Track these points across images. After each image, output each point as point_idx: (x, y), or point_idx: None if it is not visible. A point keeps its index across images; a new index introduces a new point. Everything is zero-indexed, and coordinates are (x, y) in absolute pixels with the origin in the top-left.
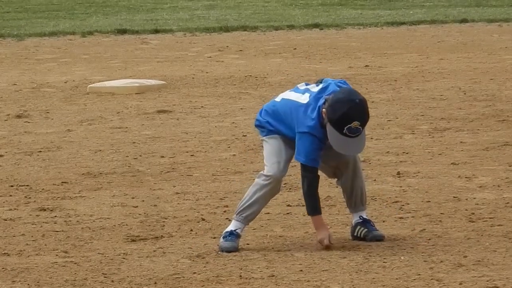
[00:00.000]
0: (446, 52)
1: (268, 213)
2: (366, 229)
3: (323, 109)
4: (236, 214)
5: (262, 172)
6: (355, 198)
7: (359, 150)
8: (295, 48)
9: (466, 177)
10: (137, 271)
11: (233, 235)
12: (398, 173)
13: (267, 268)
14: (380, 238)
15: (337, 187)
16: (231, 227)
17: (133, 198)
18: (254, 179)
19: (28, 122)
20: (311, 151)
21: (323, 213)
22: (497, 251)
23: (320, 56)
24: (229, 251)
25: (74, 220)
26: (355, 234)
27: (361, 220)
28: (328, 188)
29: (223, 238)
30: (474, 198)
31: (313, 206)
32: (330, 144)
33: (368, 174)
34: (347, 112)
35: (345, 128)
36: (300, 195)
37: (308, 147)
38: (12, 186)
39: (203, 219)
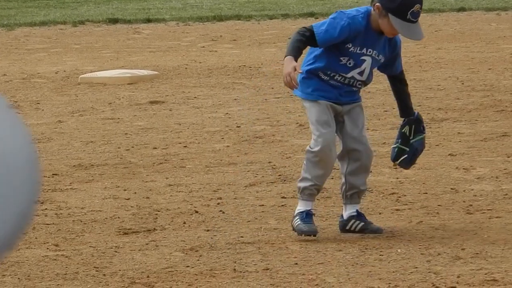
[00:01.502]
0: (443, 41)
1: (263, 205)
2: (363, 223)
3: (376, 4)
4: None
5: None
6: (356, 191)
7: (422, 35)
8: (290, 38)
9: (463, 168)
10: (129, 264)
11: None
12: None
13: (261, 261)
14: (379, 231)
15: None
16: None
17: (125, 190)
18: (248, 171)
19: (19, 113)
20: (329, 27)
21: (318, 205)
22: (495, 243)
23: None
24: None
25: (65, 213)
26: (348, 227)
27: (355, 214)
28: None
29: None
30: (472, 190)
31: (291, 48)
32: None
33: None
34: None
35: (409, 13)
36: (295, 187)
37: (331, 23)
38: None
39: (196, 212)
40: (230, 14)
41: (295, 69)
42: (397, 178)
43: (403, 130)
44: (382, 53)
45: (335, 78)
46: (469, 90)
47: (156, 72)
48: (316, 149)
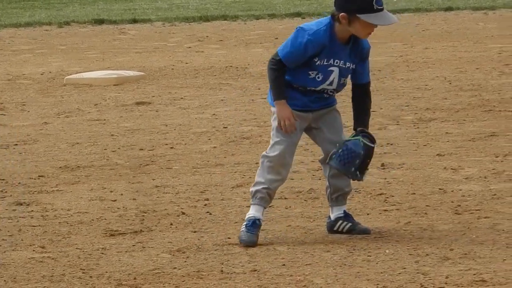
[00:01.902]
0: (431, 41)
1: (250, 206)
2: (350, 224)
3: (341, 15)
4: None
5: None
6: (341, 193)
7: (395, 18)
8: (277, 38)
9: (452, 169)
10: (116, 266)
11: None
12: (383, 164)
13: (249, 263)
14: (367, 232)
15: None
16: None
17: (111, 191)
18: (235, 172)
19: (4, 115)
20: (293, 49)
21: (306, 205)
22: (484, 243)
23: None
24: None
25: (51, 215)
26: (336, 228)
27: (342, 215)
28: (311, 180)
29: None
30: (460, 190)
31: (277, 91)
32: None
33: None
34: None
35: (374, 3)
36: (282, 188)
37: (293, 43)
38: None
39: (183, 213)
40: (216, 14)
41: (292, 115)
42: (385, 178)
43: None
44: (349, 61)
45: (307, 91)
46: (457, 90)
47: (142, 73)
48: (271, 154)
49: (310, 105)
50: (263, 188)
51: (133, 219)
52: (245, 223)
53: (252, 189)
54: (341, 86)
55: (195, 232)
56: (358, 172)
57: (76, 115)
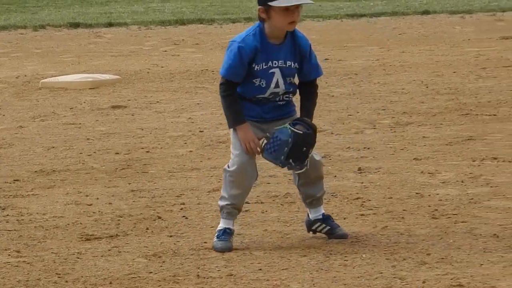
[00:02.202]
0: (407, 44)
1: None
2: (329, 227)
3: (258, 8)
4: None
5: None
6: (313, 199)
7: None
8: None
9: (429, 173)
10: (92, 270)
11: None
12: (359, 168)
13: (225, 267)
14: (344, 236)
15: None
16: None
17: (87, 196)
18: (211, 176)
19: None
20: (230, 62)
21: (282, 210)
22: (461, 248)
23: None
24: None
25: (26, 219)
26: (314, 228)
27: (321, 218)
28: (288, 184)
29: None
30: (437, 194)
31: (236, 116)
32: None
33: (329, 170)
34: None
35: None
36: (259, 192)
37: (229, 57)
38: None
39: (159, 217)
40: (192, 18)
41: (254, 138)
42: (362, 183)
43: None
44: (289, 59)
45: (259, 99)
46: (434, 94)
47: (118, 77)
48: (231, 169)
49: (264, 116)
50: (227, 204)
51: (109, 224)
52: (216, 234)
53: (219, 203)
54: (290, 86)
55: (171, 236)
56: (291, 161)
57: (51, 119)
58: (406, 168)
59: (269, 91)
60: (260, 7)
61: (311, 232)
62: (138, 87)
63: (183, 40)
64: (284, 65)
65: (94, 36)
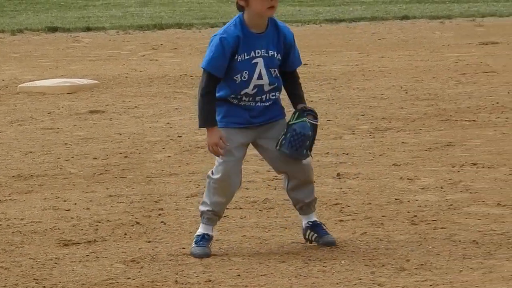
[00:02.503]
0: (387, 49)
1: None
2: (316, 234)
3: (236, 1)
4: None
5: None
6: (303, 204)
7: None
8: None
9: (408, 179)
10: (70, 276)
11: None
12: (338, 174)
13: (203, 273)
14: (331, 243)
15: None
16: None
17: (65, 201)
18: (189, 181)
19: None
20: (211, 54)
21: (261, 215)
22: (440, 254)
23: None
24: None
25: (4, 224)
26: (306, 237)
27: (310, 225)
28: (266, 190)
29: None
30: (417, 200)
31: (209, 116)
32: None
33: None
34: None
35: None
36: (237, 198)
37: (210, 50)
38: None
39: (137, 223)
40: (170, 22)
41: (220, 139)
42: (341, 188)
43: (288, 121)
44: (272, 48)
45: (243, 99)
46: (413, 99)
47: (96, 81)
48: (215, 176)
49: (252, 121)
50: (208, 210)
51: (87, 229)
52: (194, 239)
53: (200, 208)
54: (274, 79)
55: (149, 242)
56: (309, 152)
57: (29, 124)
58: (385, 174)
59: (252, 84)
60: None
61: (308, 243)
62: (116, 92)
63: (161, 44)
64: (267, 55)
65: (72, 40)
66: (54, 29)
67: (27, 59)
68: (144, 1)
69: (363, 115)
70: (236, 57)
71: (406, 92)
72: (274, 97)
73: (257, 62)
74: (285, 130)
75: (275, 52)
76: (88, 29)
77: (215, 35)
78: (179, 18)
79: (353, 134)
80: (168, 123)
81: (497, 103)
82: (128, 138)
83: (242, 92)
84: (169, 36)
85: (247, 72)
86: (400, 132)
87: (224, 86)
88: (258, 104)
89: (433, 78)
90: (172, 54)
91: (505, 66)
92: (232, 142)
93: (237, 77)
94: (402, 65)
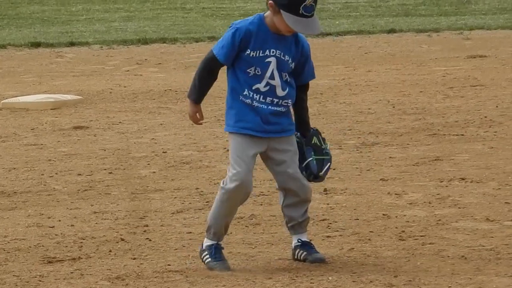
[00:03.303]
0: (373, 63)
1: (190, 232)
2: (305, 252)
3: (269, 2)
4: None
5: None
6: (295, 223)
7: (319, 28)
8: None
9: (395, 194)
10: None
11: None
12: (325, 189)
13: None
14: (320, 260)
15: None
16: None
17: (49, 218)
18: (175, 198)
19: None
20: (223, 42)
21: (247, 231)
22: (429, 270)
23: None
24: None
25: None
26: (296, 257)
27: (299, 243)
28: (253, 206)
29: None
30: (404, 216)
31: (199, 93)
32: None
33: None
34: None
35: (301, 7)
36: None
37: (224, 37)
38: None
39: (122, 239)
40: (155, 37)
41: (197, 114)
42: (328, 204)
43: (313, 142)
44: (288, 54)
45: (255, 98)
46: (401, 114)
47: (79, 97)
48: (228, 186)
49: (265, 127)
50: (216, 224)
51: (71, 246)
52: (205, 252)
53: (208, 222)
54: (285, 84)
55: (134, 259)
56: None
57: (12, 140)
58: (373, 189)
59: (265, 81)
60: (271, 1)
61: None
62: (100, 107)
63: (146, 59)
64: (281, 57)
65: (56, 55)
66: (37, 45)
67: (10, 74)
68: (128, 15)
69: (350, 129)
70: (249, 52)
71: (393, 107)
72: (286, 104)
73: (270, 62)
74: (316, 153)
75: (289, 58)
76: (71, 44)
77: (234, 23)
78: (163, 32)
79: (340, 149)
80: (153, 138)
81: (485, 117)
82: (113, 154)
83: (254, 87)
84: (154, 51)
85: (259, 69)
86: (388, 146)
87: (238, 77)
88: (270, 107)
89: (421, 92)
90: (156, 69)
91: (493, 79)
92: (245, 151)
93: (250, 70)
94: (389, 79)
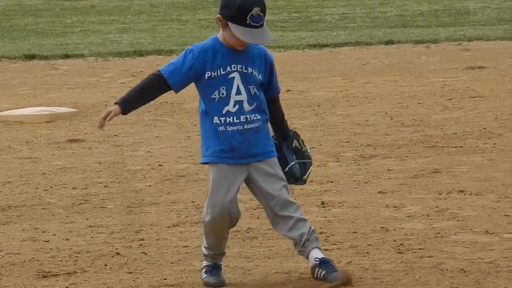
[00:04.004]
0: (371, 75)
1: (187, 246)
2: (324, 271)
3: (217, 17)
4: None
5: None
6: (305, 239)
7: (268, 39)
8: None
9: (394, 206)
10: None
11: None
12: (323, 202)
13: None
14: (341, 280)
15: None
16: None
17: (44, 232)
18: (171, 211)
19: None
20: (174, 61)
21: (244, 245)
22: (427, 284)
23: None
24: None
25: None
26: (315, 276)
27: (318, 262)
28: (249, 219)
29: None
30: (403, 229)
31: (129, 100)
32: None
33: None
34: (242, 1)
35: (248, 17)
36: None
37: (176, 60)
38: None
39: (118, 253)
40: (150, 49)
41: (107, 116)
42: (325, 217)
43: (293, 146)
44: (251, 66)
45: (228, 122)
46: (399, 126)
47: (75, 110)
48: (206, 219)
49: (241, 151)
50: (209, 253)
51: (67, 260)
52: (203, 270)
53: (203, 250)
54: (254, 99)
55: (130, 273)
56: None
57: (6, 153)
58: (371, 202)
59: (232, 99)
60: (219, 15)
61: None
62: (96, 120)
63: (141, 71)
64: (245, 71)
65: (50, 68)
66: (31, 57)
67: (4, 87)
68: (123, 27)
69: (347, 142)
70: (209, 74)
71: (391, 118)
72: (257, 119)
73: (233, 77)
74: (297, 157)
75: (252, 70)
76: (66, 56)
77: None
78: (159, 44)
79: (338, 161)
80: (149, 151)
81: (485, 128)
82: (108, 167)
83: (224, 111)
84: (149, 63)
85: (224, 88)
86: (386, 159)
87: (207, 108)
88: (246, 126)
89: (419, 103)
90: None
91: (492, 91)
92: (223, 179)
93: (215, 95)
94: (387, 90)
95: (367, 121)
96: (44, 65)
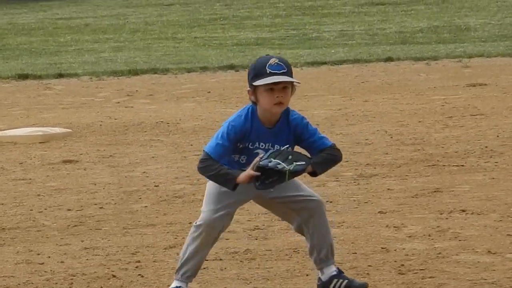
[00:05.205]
0: (370, 93)
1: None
2: (346, 280)
3: (247, 91)
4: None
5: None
6: (325, 251)
7: (291, 78)
8: (209, 92)
9: (394, 227)
10: None
11: None
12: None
13: None
14: (365, 287)
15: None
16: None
17: (38, 254)
18: (167, 232)
19: None
20: (218, 140)
21: (242, 266)
22: None
23: (236, 99)
24: None
25: None
26: (334, 286)
27: (336, 273)
28: (248, 240)
29: None
30: (404, 249)
31: (229, 178)
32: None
33: (289, 225)
34: (259, 60)
35: (267, 67)
36: (217, 249)
37: (218, 135)
38: None
39: (114, 276)
40: (146, 67)
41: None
42: None
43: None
44: (279, 144)
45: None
46: (399, 144)
47: (69, 130)
48: (199, 222)
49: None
50: (187, 263)
51: (62, 283)
52: None
53: (179, 264)
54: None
55: None
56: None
57: (0, 175)
58: (371, 222)
59: (248, 165)
60: (248, 89)
61: None
62: (90, 140)
63: (136, 91)
64: (270, 147)
65: (44, 87)
66: (24, 76)
67: None
68: (118, 46)
69: (347, 161)
70: (239, 145)
71: (391, 137)
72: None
73: (258, 152)
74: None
75: (280, 147)
76: (60, 75)
77: (227, 121)
78: (154, 63)
79: (337, 181)
80: (145, 172)
81: (486, 147)
82: (103, 188)
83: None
84: (145, 82)
85: (245, 157)
86: (386, 178)
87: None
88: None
89: (419, 122)
90: (148, 101)
91: (494, 108)
92: (222, 197)
93: (235, 157)
94: (387, 109)
95: (366, 140)
96: (38, 84)
